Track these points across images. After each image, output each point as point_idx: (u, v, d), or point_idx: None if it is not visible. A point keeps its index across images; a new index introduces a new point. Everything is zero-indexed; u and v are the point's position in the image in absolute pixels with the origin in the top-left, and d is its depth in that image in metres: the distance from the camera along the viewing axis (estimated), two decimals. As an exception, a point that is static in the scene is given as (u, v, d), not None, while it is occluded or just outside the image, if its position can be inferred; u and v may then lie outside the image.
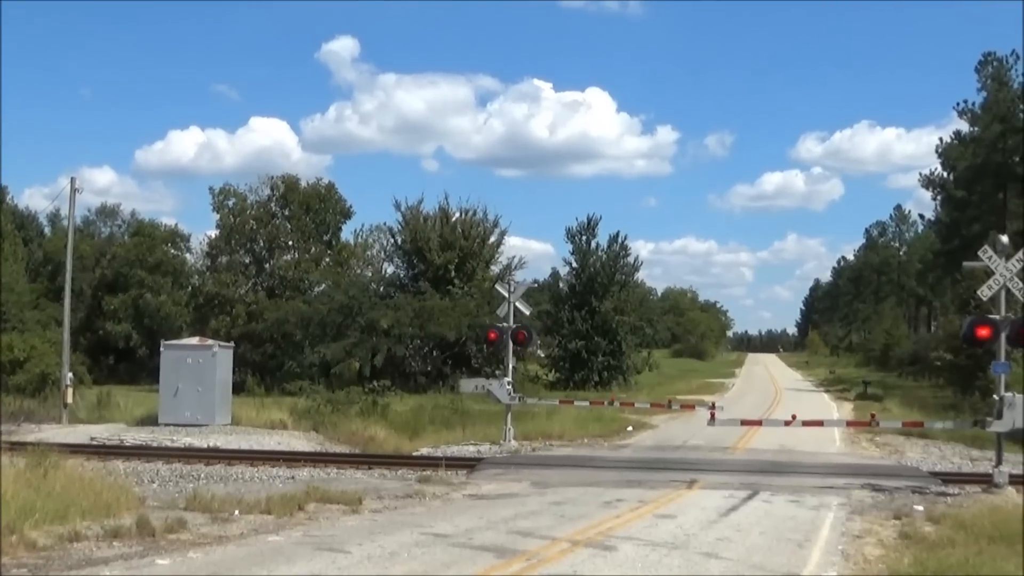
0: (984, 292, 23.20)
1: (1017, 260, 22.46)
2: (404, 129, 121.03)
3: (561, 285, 70.17)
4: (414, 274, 63.14)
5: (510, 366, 31.94)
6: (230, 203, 69.91)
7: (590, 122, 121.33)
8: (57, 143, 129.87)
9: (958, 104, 65.05)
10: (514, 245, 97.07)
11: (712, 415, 24.83)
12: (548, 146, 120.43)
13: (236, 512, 16.66)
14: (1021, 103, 60.32)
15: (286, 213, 69.97)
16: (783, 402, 56.17)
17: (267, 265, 68.74)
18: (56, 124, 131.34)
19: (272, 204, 70.24)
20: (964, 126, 64.75)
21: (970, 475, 24.90)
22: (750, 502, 19.64)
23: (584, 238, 67.32)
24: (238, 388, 41.95)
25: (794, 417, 25.08)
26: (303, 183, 71.71)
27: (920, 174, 70.39)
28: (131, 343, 71.53)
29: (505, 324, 31.68)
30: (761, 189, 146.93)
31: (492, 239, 65.29)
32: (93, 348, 68.05)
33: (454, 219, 64.08)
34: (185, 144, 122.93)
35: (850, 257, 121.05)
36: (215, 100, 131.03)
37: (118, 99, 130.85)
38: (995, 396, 22.85)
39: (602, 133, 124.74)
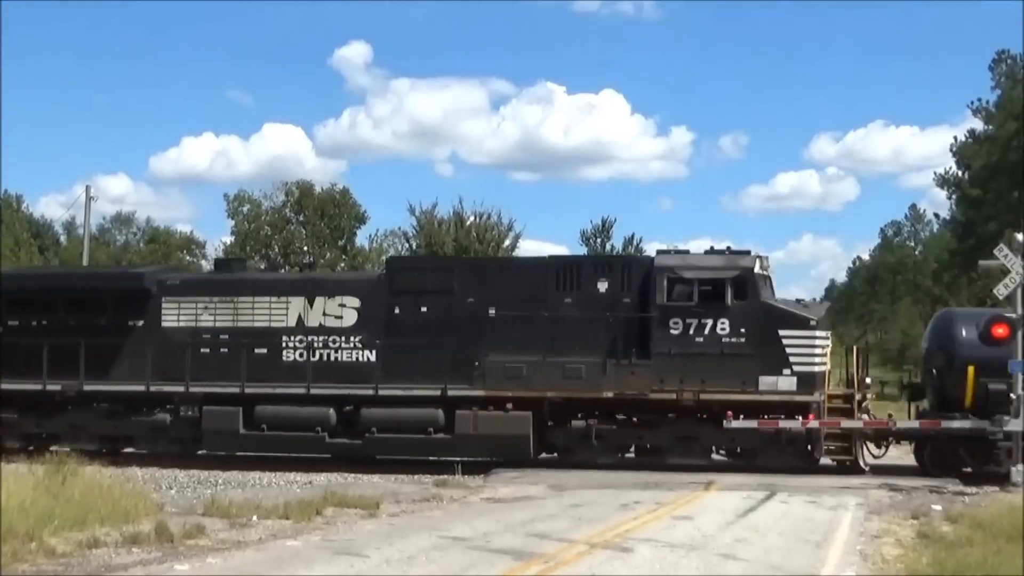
0: (1000, 291, 23.14)
1: (1033, 258, 22.40)
2: (418, 134, 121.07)
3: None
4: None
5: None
6: (245, 209, 70.05)
7: (604, 124, 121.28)
8: (72, 151, 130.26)
9: (972, 102, 64.88)
10: (529, 248, 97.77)
11: (728, 416, 24.76)
12: (562, 149, 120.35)
13: (254, 517, 16.70)
14: (1035, 101, 60.13)
15: (301, 219, 70.05)
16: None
17: (282, 271, 68.83)
18: (71, 132, 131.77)
19: (287, 210, 70.34)
20: (978, 124, 64.56)
21: (988, 474, 24.81)
22: (767, 503, 19.63)
23: (599, 240, 67.17)
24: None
25: (810, 417, 25.03)
26: (318, 189, 71.82)
27: (935, 173, 70.12)
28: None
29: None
30: (775, 190, 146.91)
31: (507, 242, 65.14)
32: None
33: (468, 223, 63.99)
34: (200, 151, 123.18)
35: (865, 257, 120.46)
36: (229, 107, 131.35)
37: (132, 106, 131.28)
38: (1012, 395, 22.78)
39: (616, 135, 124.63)
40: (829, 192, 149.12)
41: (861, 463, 24.75)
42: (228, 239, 70.90)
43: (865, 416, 25.01)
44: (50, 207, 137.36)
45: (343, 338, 26.07)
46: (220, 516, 16.62)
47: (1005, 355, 23.43)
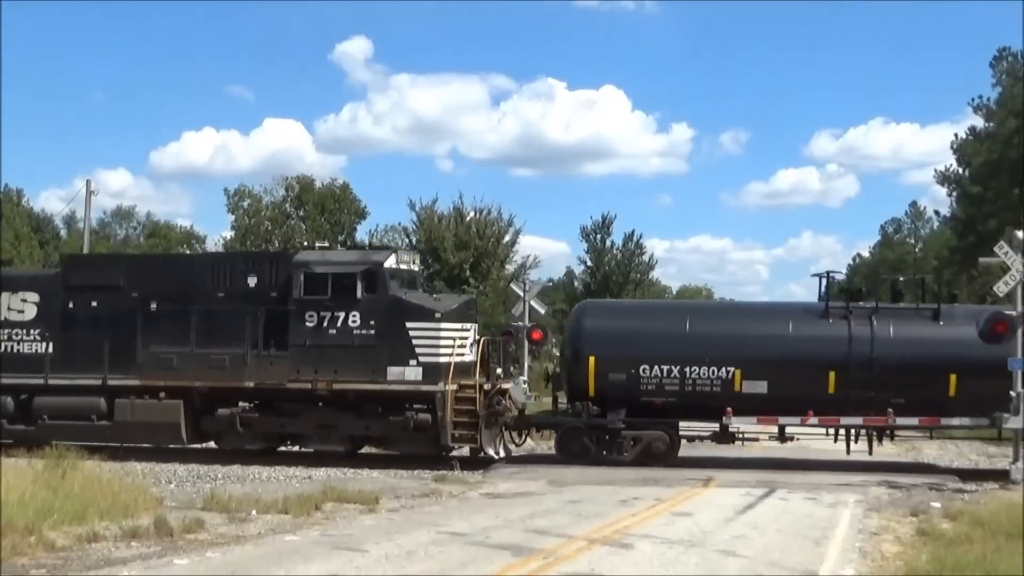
0: (1000, 288, 23.14)
1: (1033, 256, 22.37)
2: (418, 129, 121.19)
3: (576, 284, 70.07)
4: (429, 274, 63.02)
5: (526, 365, 31.92)
6: (245, 204, 70.03)
7: (605, 120, 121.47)
8: (72, 146, 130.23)
9: (973, 100, 64.72)
10: (529, 244, 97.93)
11: (728, 411, 24.80)
12: (562, 145, 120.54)
13: (253, 512, 16.73)
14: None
15: (301, 214, 70.02)
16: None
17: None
18: (71, 127, 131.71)
19: (287, 205, 70.30)
20: (979, 122, 64.39)
21: (987, 472, 24.85)
22: (767, 500, 19.64)
23: (599, 237, 67.22)
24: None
25: (811, 413, 25.02)
26: (318, 184, 71.77)
27: (935, 170, 69.99)
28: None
29: (521, 323, 31.77)
30: (776, 187, 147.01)
31: (507, 238, 65.13)
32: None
33: (469, 218, 63.92)
34: (200, 146, 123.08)
35: (865, 254, 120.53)
36: (229, 101, 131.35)
37: (132, 101, 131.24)
38: (1012, 393, 22.78)
39: (617, 131, 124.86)
40: (829, 189, 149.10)
41: (491, 452, 25.58)
42: (228, 234, 70.90)
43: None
44: (50, 201, 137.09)
45: (24, 331, 27.36)
46: (219, 510, 16.66)
47: (622, 347, 25.49)
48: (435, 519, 16.73)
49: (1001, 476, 22.94)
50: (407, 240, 66.38)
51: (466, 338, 25.87)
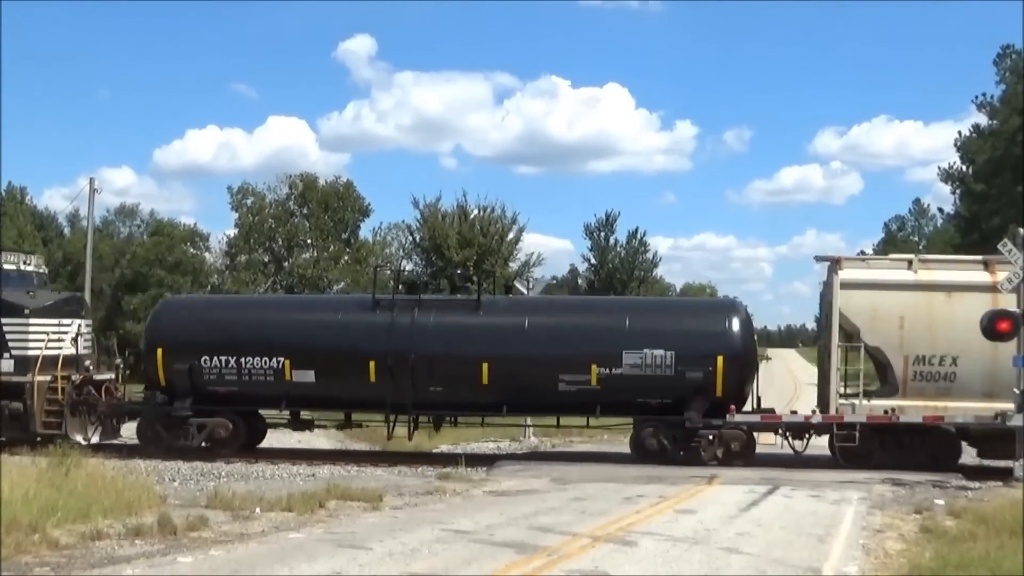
0: (1004, 285, 23.11)
1: (1037, 253, 22.34)
2: (422, 127, 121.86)
3: (580, 282, 70.10)
4: (432, 271, 63.25)
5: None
6: (249, 202, 70.12)
7: (608, 118, 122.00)
8: (76, 144, 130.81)
9: (976, 97, 64.88)
10: (532, 242, 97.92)
11: (731, 409, 24.81)
12: (566, 143, 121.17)
13: (257, 510, 16.73)
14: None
15: (304, 211, 70.12)
16: (802, 398, 55.98)
17: (286, 264, 68.91)
18: (74, 125, 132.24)
19: (290, 203, 70.40)
20: (982, 119, 64.53)
21: (991, 469, 24.82)
22: (770, 497, 19.63)
23: (603, 234, 67.40)
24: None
25: (814, 412, 25.00)
26: (321, 181, 71.86)
27: (939, 168, 70.28)
28: (151, 342, 71.47)
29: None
30: (779, 184, 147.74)
31: (510, 236, 65.21)
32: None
33: (472, 216, 64.00)
34: (203, 143, 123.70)
35: (869, 251, 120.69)
36: (233, 99, 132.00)
37: (136, 99, 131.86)
38: (1015, 390, 22.77)
39: (621, 129, 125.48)
40: (833, 186, 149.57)
41: (78, 438, 26.37)
42: (232, 231, 71.01)
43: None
44: (54, 200, 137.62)
45: None
46: (223, 508, 16.65)
47: (186, 338, 26.67)
48: (439, 517, 16.72)
49: (1004, 473, 22.93)
50: (411, 238, 66.61)
51: (64, 333, 27.37)
